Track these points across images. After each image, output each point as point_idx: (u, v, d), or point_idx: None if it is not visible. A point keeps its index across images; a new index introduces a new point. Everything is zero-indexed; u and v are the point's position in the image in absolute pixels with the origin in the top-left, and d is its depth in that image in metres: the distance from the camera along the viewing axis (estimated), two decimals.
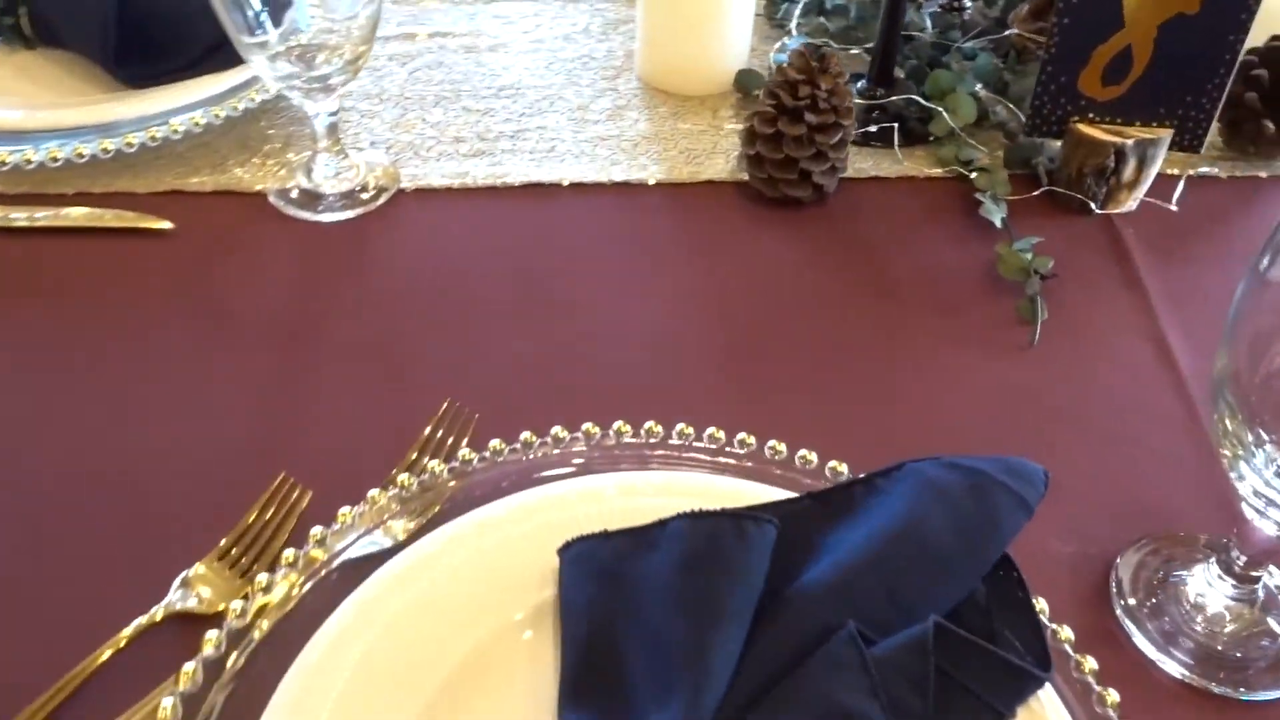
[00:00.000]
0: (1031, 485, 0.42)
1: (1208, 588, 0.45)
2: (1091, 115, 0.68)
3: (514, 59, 0.83)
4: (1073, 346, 0.60)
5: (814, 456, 0.48)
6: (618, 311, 0.61)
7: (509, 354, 0.58)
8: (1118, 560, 0.48)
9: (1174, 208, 0.70)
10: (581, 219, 0.68)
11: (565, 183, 0.70)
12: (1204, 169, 0.73)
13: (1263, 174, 0.74)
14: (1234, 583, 0.44)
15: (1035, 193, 0.70)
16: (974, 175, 0.69)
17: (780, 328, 0.61)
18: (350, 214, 0.67)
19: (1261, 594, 0.45)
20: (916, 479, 0.43)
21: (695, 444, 0.49)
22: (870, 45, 0.82)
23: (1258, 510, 0.41)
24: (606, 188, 0.70)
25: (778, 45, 0.83)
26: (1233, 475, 0.41)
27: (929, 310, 0.62)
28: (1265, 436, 0.39)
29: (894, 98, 0.74)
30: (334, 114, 0.67)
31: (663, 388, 0.56)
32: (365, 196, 0.68)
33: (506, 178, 0.70)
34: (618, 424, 0.49)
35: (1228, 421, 0.40)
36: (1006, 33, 0.81)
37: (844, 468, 0.47)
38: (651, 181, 0.71)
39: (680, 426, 0.49)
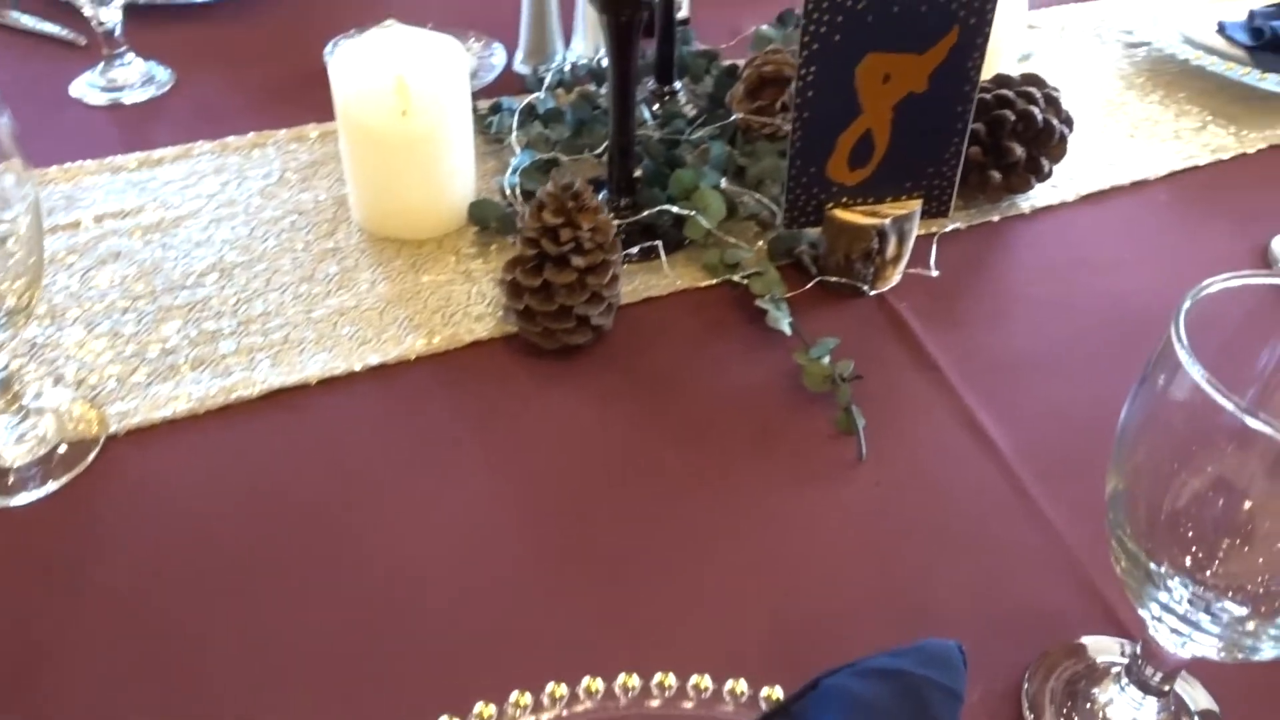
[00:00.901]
0: (953, 669, 0.39)
1: (1124, 705, 0.44)
2: (845, 199, 0.67)
3: (207, 231, 0.72)
4: (896, 450, 0.58)
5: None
6: (410, 532, 0.52)
7: (296, 632, 0.48)
8: (1024, 688, 0.46)
9: (935, 273, 0.70)
10: (342, 423, 0.58)
11: (313, 381, 0.60)
12: (948, 226, 0.75)
13: (995, 218, 0.77)
14: (1151, 696, 0.43)
15: (808, 285, 0.68)
16: (748, 281, 0.67)
17: (594, 501, 0.54)
18: (46, 489, 0.53)
19: (1174, 704, 0.44)
20: (843, 701, 0.38)
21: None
22: (599, 151, 0.78)
23: (1170, 632, 0.39)
24: (362, 375, 0.61)
25: (510, 168, 0.76)
26: (1135, 601, 0.39)
27: (744, 443, 0.58)
28: (1173, 571, 0.37)
29: (646, 212, 0.70)
30: (4, 368, 0.53)
31: (483, 618, 0.49)
32: (63, 458, 0.55)
33: (239, 391, 0.59)
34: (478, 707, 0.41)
35: (1127, 544, 0.38)
36: (732, 117, 0.79)
37: (742, 685, 0.42)
38: (413, 356, 0.62)
39: (551, 689, 0.42)
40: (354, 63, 0.69)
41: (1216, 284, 0.37)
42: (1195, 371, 0.33)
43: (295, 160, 0.79)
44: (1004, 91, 0.74)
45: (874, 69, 0.62)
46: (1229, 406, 0.32)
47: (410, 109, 0.69)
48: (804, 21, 0.59)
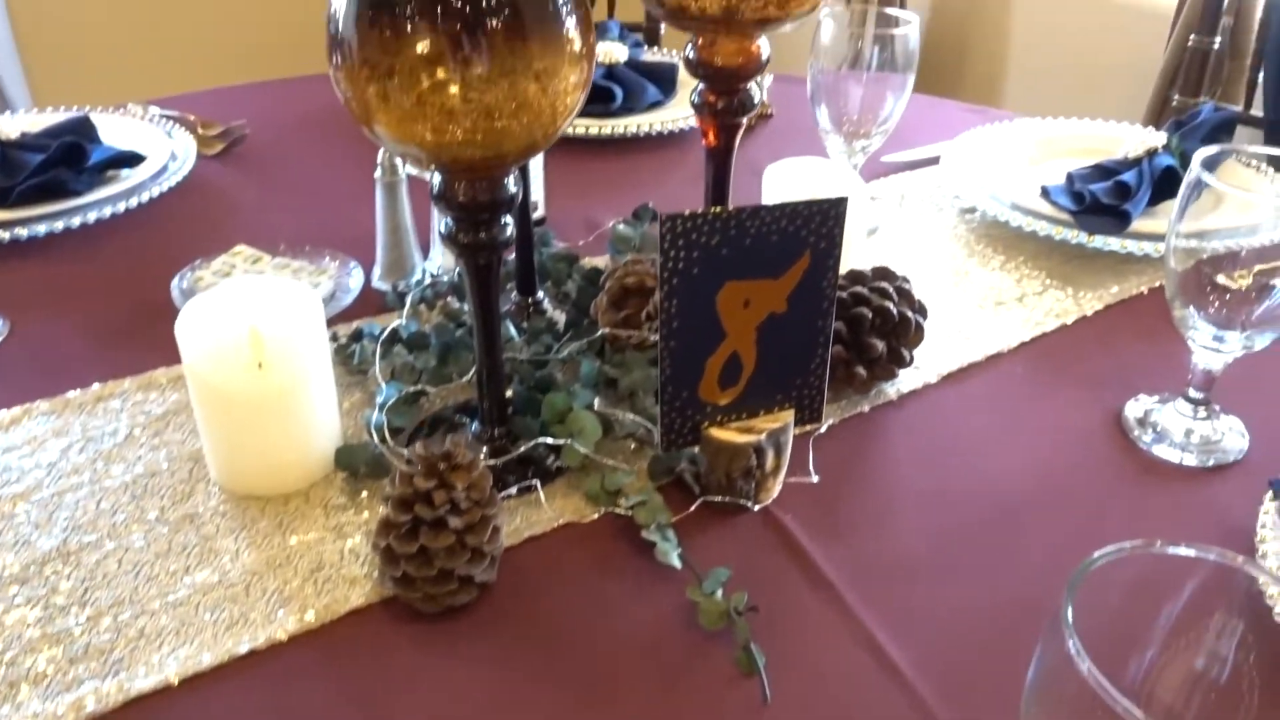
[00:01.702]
0: None
1: None
2: (720, 418, 0.67)
3: (48, 509, 0.66)
4: (801, 686, 0.57)
5: None
6: None
7: None
8: None
9: (815, 478, 0.71)
10: None
11: (175, 681, 0.55)
12: (822, 428, 0.75)
13: (866, 408, 0.78)
14: None
15: (692, 507, 0.67)
16: (631, 511, 0.65)
17: None
18: None
19: None
20: None
21: None
22: (468, 378, 0.76)
23: None
24: (232, 666, 0.57)
25: (376, 404, 0.74)
26: None
27: (645, 695, 0.56)
28: None
29: (520, 448, 0.69)
30: None
31: None
32: None
33: (90, 707, 0.54)
34: None
35: None
36: (599, 332, 0.79)
37: None
38: (286, 636, 0.58)
39: None
40: (202, 318, 0.67)
41: (1103, 559, 0.37)
42: (1083, 665, 0.33)
43: (144, 413, 0.75)
44: (859, 289, 0.76)
45: (734, 296, 0.63)
46: (1115, 704, 0.32)
47: (266, 361, 0.66)
48: (661, 259, 0.60)
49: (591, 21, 0.59)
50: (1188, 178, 0.70)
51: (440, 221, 0.64)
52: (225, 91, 1.34)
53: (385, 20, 0.53)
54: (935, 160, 1.15)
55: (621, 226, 0.94)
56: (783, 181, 0.88)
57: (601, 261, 0.95)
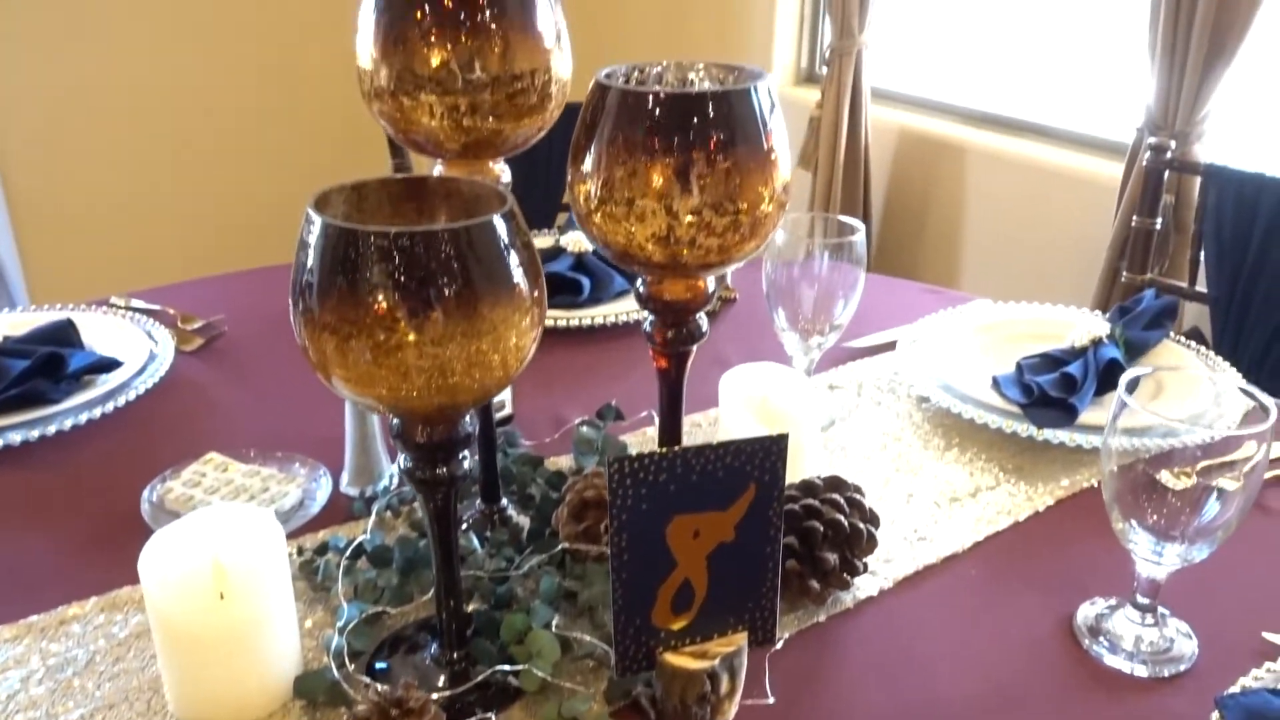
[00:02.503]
0: None
1: None
2: (674, 643, 0.68)
3: None
4: None
5: None
6: None
7: None
8: None
9: (770, 699, 0.71)
10: None
11: None
12: (777, 644, 0.76)
13: (821, 617, 0.79)
14: None
15: None
16: None
17: None
18: None
19: None
20: None
21: None
22: (429, 596, 0.78)
23: None
24: None
25: (336, 628, 0.75)
26: None
27: None
28: None
29: (478, 677, 0.69)
30: None
31: None
32: None
33: None
34: None
35: None
36: (559, 546, 0.80)
37: None
38: None
39: None
40: (165, 552, 0.68)
41: None
42: None
43: (106, 637, 0.76)
44: (810, 501, 0.79)
45: (683, 527, 0.65)
46: None
47: (228, 591, 0.67)
48: (610, 494, 0.62)
49: (541, 271, 0.63)
50: (1115, 400, 0.73)
51: (400, 457, 0.66)
52: (207, 282, 1.39)
53: (345, 284, 0.57)
54: (893, 345, 1.19)
55: (584, 429, 0.97)
56: (738, 388, 0.91)
57: (566, 462, 0.97)
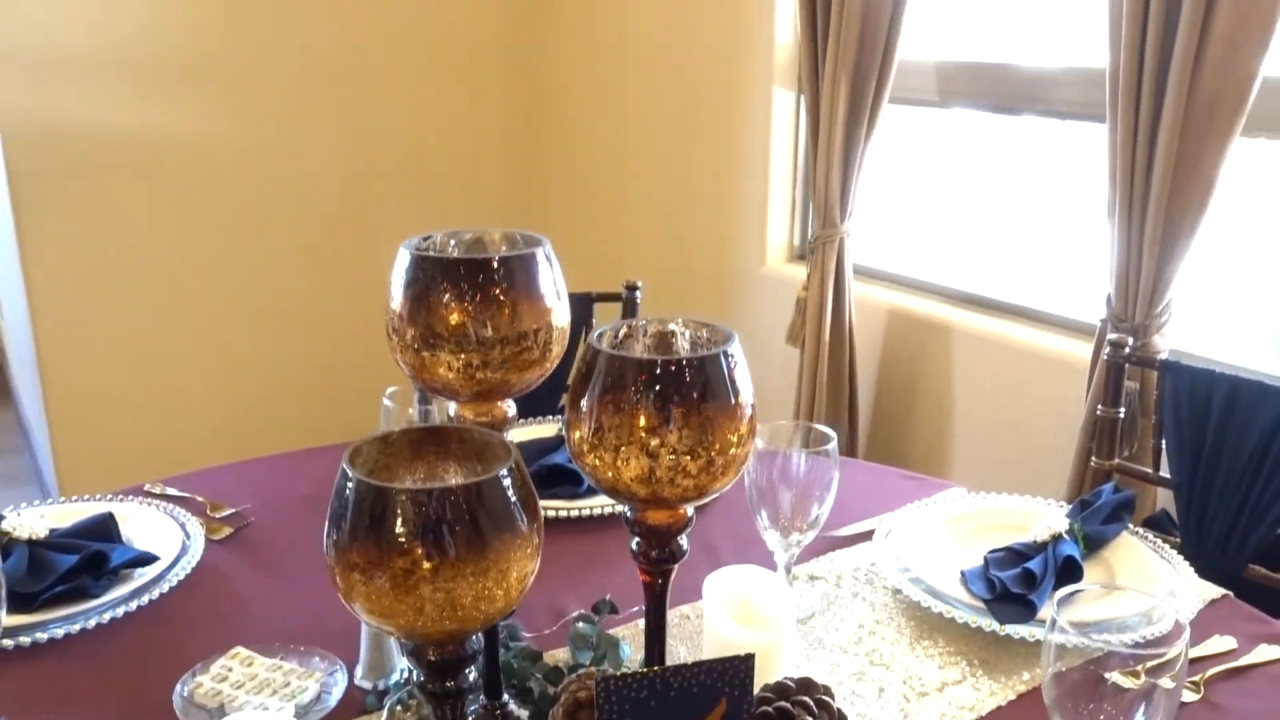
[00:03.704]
0: None
1: None
2: None
3: None
4: None
5: None
6: None
7: None
8: None
9: None
10: None
11: None
12: None
13: None
14: None
15: None
16: None
17: None
18: None
19: None
20: None
21: None
22: None
23: None
24: None
25: None
26: None
27: None
28: None
29: None
30: None
31: None
32: None
33: None
34: None
35: None
36: None
37: None
38: None
39: None
40: None
41: None
42: None
43: None
44: (783, 704, 0.86)
45: None
46: None
47: None
48: (598, 710, 0.70)
49: (538, 507, 0.73)
50: (1047, 631, 0.81)
51: (414, 672, 0.75)
52: (233, 468, 1.49)
53: (372, 531, 0.67)
54: (870, 535, 1.28)
55: (580, 625, 1.05)
56: (721, 590, 0.99)
57: (564, 655, 1.05)
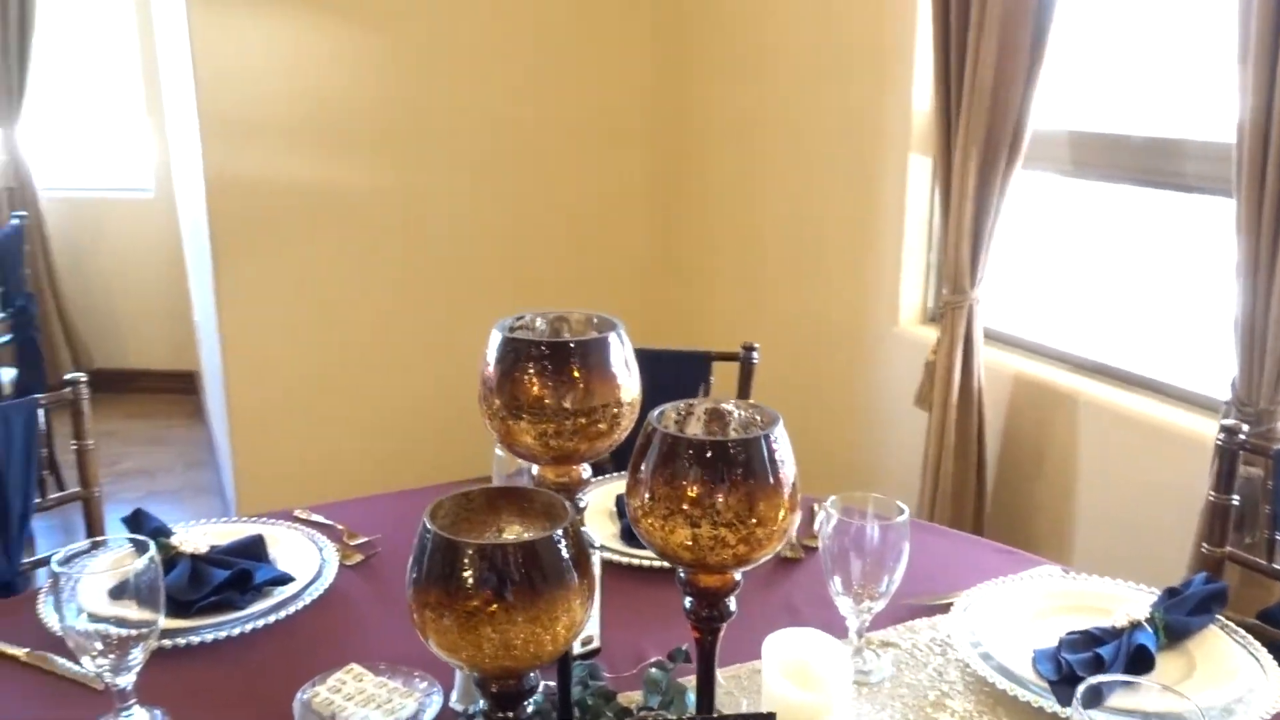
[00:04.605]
0: None
1: None
2: None
3: None
4: None
5: None
6: None
7: None
8: None
9: None
10: None
11: None
12: None
13: None
14: None
15: None
16: None
17: None
18: None
19: None
20: None
21: None
22: None
23: None
24: None
25: None
26: None
27: None
28: None
29: None
30: None
31: None
32: None
33: None
34: None
35: None
36: None
37: None
38: None
39: None
40: None
41: None
42: None
43: None
44: None
45: None
46: None
47: None
48: None
49: (591, 563, 0.82)
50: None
51: (479, 702, 0.85)
52: (371, 501, 1.66)
53: (444, 577, 0.78)
54: (948, 607, 1.31)
55: (654, 670, 1.14)
56: (780, 652, 1.06)
57: (638, 697, 1.14)
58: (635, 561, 1.41)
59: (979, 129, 2.13)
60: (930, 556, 1.45)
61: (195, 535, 1.39)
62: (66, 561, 1.08)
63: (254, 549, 1.38)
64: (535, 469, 0.97)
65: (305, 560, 1.39)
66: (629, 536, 1.46)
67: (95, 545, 1.17)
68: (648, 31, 3.31)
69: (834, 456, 2.80)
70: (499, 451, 1.36)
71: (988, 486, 2.35)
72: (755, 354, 1.94)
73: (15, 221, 3.37)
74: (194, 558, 1.33)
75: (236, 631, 1.24)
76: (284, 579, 1.32)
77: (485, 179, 3.21)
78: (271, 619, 1.27)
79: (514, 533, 0.88)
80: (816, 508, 1.37)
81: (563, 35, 3.23)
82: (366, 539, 1.50)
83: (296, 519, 1.55)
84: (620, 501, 1.48)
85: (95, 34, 4.48)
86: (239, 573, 1.29)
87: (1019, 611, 1.29)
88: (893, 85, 2.52)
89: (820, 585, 1.38)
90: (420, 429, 3.23)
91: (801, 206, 2.91)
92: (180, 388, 4.55)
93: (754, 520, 0.84)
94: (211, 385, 3.66)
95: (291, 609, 1.29)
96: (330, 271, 3.09)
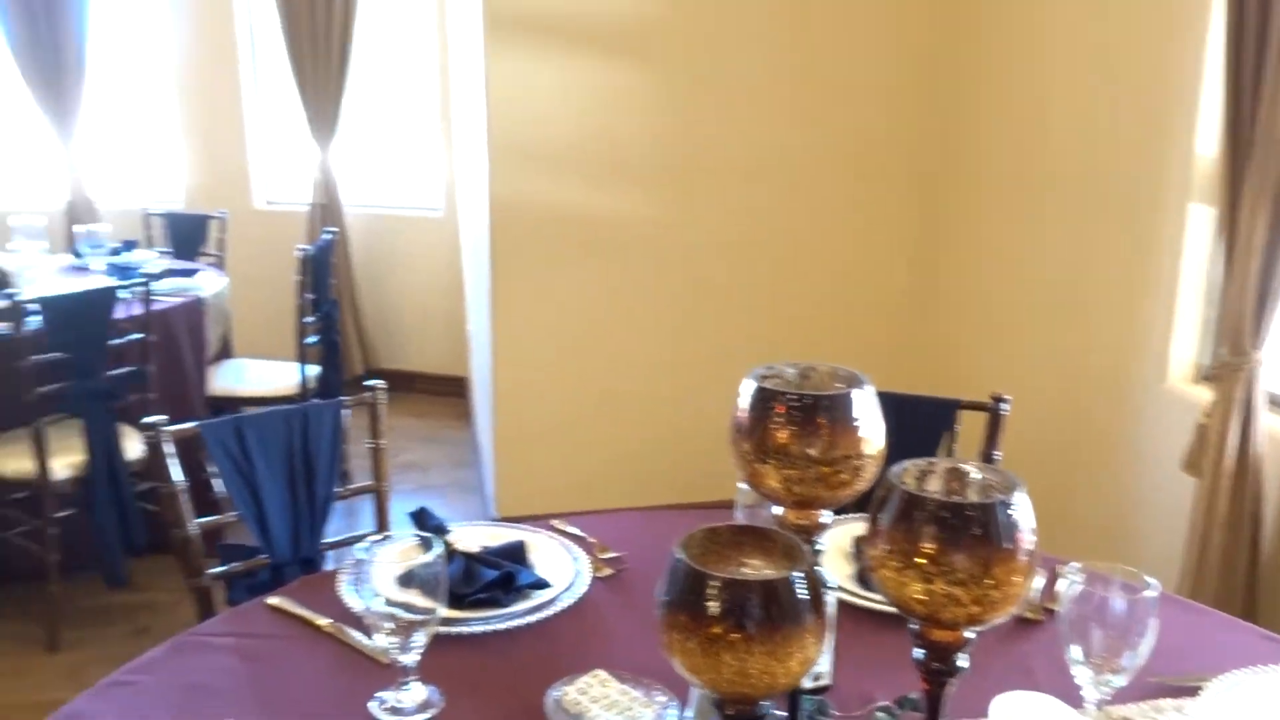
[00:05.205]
0: None
1: None
2: None
3: None
4: None
5: None
6: None
7: None
8: None
9: None
10: None
11: None
12: None
13: None
14: None
15: None
16: None
17: None
18: None
19: None
20: None
21: None
22: None
23: None
24: None
25: None
26: None
27: None
28: None
29: None
30: None
31: None
32: None
33: None
34: None
35: None
36: None
37: None
38: None
39: None
40: None
41: None
42: None
43: None
44: None
45: None
46: None
47: None
48: None
49: (824, 605, 0.88)
50: None
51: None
52: (625, 516, 1.78)
53: (690, 604, 0.86)
54: (1197, 691, 1.26)
55: (879, 714, 1.17)
56: (1006, 713, 1.07)
57: None
58: (870, 605, 1.44)
59: (1271, 178, 2.00)
60: (1186, 634, 1.39)
61: (467, 534, 1.55)
62: (367, 550, 1.25)
63: (517, 553, 1.52)
64: (778, 509, 1.04)
65: (561, 568, 1.52)
66: (865, 579, 1.49)
67: (385, 538, 1.34)
68: (921, 72, 3.30)
69: (1086, 518, 2.68)
70: (742, 485, 1.43)
71: (1261, 565, 2.19)
72: (1006, 405, 1.91)
73: (327, 236, 3.81)
74: (467, 556, 1.49)
75: (502, 627, 1.38)
76: (542, 584, 1.46)
77: (752, 214, 3.34)
78: (530, 619, 1.40)
79: (755, 569, 0.95)
80: (1059, 569, 1.35)
81: (834, 76, 3.28)
82: (616, 554, 1.62)
83: (554, 529, 1.69)
84: (858, 543, 1.52)
85: (399, 67, 4.98)
86: (505, 574, 1.44)
87: (1273, 705, 1.22)
88: (1174, 131, 2.40)
89: (1059, 650, 1.36)
90: (670, 451, 3.37)
91: (1069, 252, 2.81)
92: (451, 391, 4.94)
93: (989, 582, 0.86)
94: (480, 393, 3.97)
95: (548, 612, 1.42)
96: (600, 296, 3.29)
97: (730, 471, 1.84)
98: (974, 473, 0.94)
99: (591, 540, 1.65)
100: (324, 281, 3.66)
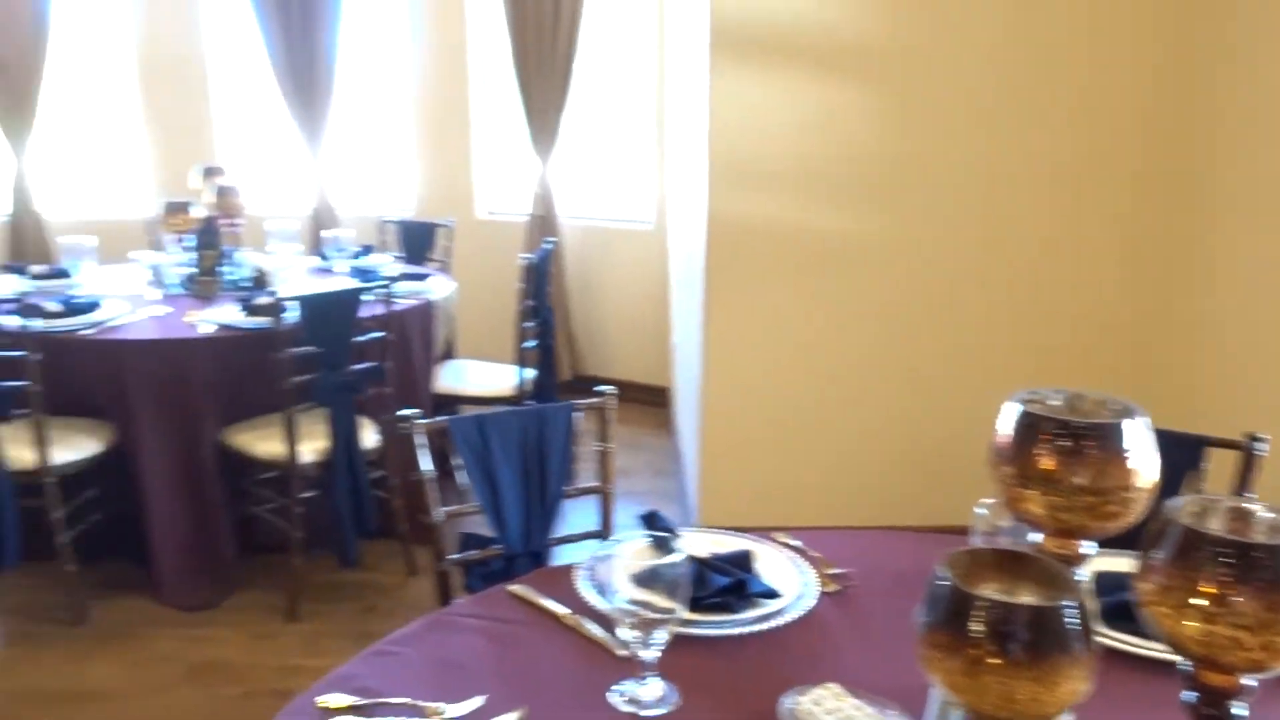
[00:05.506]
0: None
1: None
2: None
3: None
4: None
5: None
6: None
7: None
8: None
9: None
10: None
11: None
12: None
13: None
14: None
15: None
16: None
17: None
18: None
19: None
20: None
21: None
22: None
23: None
24: None
25: None
26: None
27: None
28: None
29: None
30: None
31: None
32: None
33: None
34: None
35: None
36: None
37: None
38: None
39: None
40: None
41: None
42: None
43: None
44: None
45: None
46: None
47: None
48: None
49: (1092, 642, 0.87)
50: None
51: None
52: (847, 534, 1.78)
53: (952, 622, 0.87)
54: None
55: None
56: None
57: None
58: (1118, 645, 1.39)
59: None
60: None
61: (694, 541, 1.60)
62: (608, 549, 1.32)
63: (745, 562, 1.55)
64: (1037, 536, 1.03)
65: (789, 580, 1.55)
66: (1111, 616, 1.44)
67: (617, 540, 1.41)
68: (1162, 85, 3.14)
69: None
70: (979, 510, 1.41)
71: None
72: (1263, 445, 1.80)
73: (547, 246, 3.98)
74: (698, 561, 1.53)
75: (735, 632, 1.42)
76: (772, 593, 1.48)
77: (971, 233, 3.26)
78: (760, 627, 1.43)
79: (1015, 594, 0.94)
80: None
81: (1063, 90, 3.17)
82: (842, 570, 1.63)
83: (776, 541, 1.71)
84: (1102, 579, 1.47)
85: (617, 84, 5.14)
86: (737, 581, 1.47)
87: None
88: None
89: None
90: (878, 470, 3.33)
91: None
92: (652, 400, 5.04)
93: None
94: (685, 403, 4.04)
95: (777, 621, 1.44)
96: (811, 312, 3.30)
97: (949, 495, 1.82)
98: (1261, 511, 0.90)
99: (815, 555, 1.67)
100: (542, 289, 3.83)
